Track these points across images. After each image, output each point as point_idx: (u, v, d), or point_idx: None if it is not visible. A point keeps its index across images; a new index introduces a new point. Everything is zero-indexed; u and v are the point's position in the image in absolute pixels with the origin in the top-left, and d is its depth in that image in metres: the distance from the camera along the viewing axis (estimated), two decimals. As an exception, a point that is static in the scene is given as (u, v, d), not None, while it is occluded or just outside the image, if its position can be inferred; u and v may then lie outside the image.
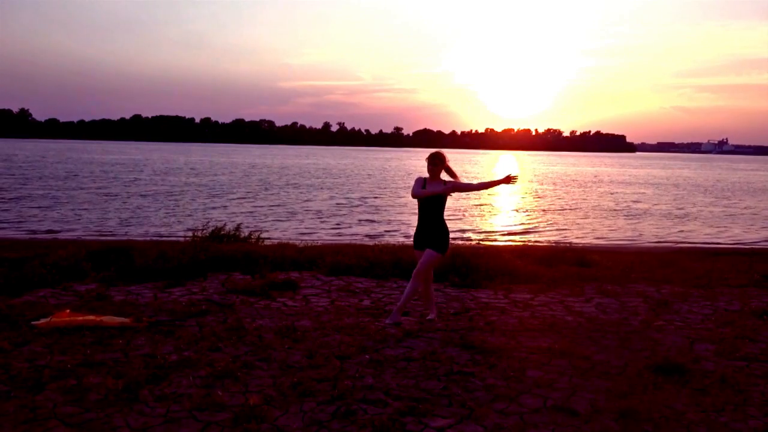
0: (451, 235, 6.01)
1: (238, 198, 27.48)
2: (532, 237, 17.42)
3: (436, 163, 5.63)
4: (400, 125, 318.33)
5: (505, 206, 27.29)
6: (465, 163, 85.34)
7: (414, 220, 5.80)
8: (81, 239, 13.31)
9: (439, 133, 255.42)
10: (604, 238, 17.70)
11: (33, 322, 5.27)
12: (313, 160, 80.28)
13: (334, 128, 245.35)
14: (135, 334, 5.16)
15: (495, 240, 16.51)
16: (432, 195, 5.58)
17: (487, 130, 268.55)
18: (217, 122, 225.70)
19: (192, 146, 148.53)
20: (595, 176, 56.41)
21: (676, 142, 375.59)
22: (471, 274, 7.63)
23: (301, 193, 31.11)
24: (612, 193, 35.71)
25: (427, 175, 5.69)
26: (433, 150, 5.83)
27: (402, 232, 17.52)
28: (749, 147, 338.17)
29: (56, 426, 3.47)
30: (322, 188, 34.33)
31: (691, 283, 7.96)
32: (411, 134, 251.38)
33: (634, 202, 30.44)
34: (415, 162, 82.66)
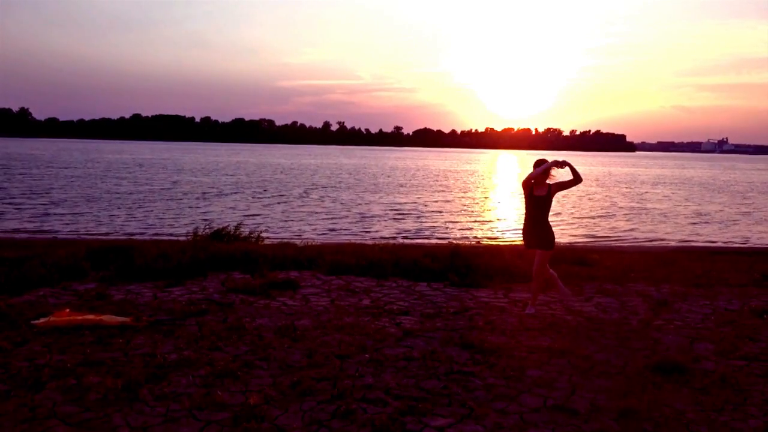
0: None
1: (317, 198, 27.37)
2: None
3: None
4: (399, 124, 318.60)
5: (506, 206, 27.29)
6: (465, 163, 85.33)
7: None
8: (81, 238, 13.31)
9: (439, 132, 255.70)
10: (604, 237, 17.70)
11: (33, 322, 5.27)
12: (332, 160, 79.03)
13: (334, 127, 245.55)
14: (135, 333, 5.16)
15: (495, 239, 16.50)
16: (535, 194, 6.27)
17: (487, 129, 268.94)
18: (217, 121, 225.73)
19: (197, 146, 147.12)
20: (609, 175, 55.77)
21: (676, 141, 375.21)
22: (471, 274, 7.63)
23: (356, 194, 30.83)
24: (623, 193, 35.53)
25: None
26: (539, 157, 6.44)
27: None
28: (749, 146, 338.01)
29: (56, 425, 3.47)
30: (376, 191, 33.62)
31: (690, 283, 7.96)
32: (411, 134, 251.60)
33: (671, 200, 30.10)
34: (431, 162, 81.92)
